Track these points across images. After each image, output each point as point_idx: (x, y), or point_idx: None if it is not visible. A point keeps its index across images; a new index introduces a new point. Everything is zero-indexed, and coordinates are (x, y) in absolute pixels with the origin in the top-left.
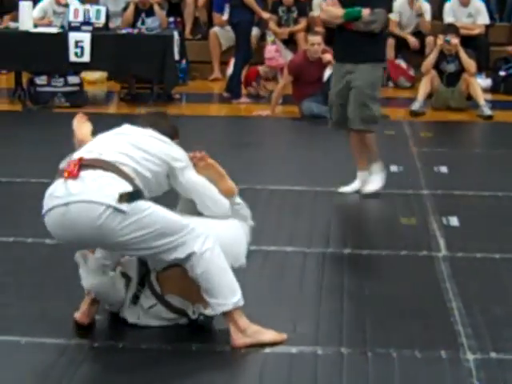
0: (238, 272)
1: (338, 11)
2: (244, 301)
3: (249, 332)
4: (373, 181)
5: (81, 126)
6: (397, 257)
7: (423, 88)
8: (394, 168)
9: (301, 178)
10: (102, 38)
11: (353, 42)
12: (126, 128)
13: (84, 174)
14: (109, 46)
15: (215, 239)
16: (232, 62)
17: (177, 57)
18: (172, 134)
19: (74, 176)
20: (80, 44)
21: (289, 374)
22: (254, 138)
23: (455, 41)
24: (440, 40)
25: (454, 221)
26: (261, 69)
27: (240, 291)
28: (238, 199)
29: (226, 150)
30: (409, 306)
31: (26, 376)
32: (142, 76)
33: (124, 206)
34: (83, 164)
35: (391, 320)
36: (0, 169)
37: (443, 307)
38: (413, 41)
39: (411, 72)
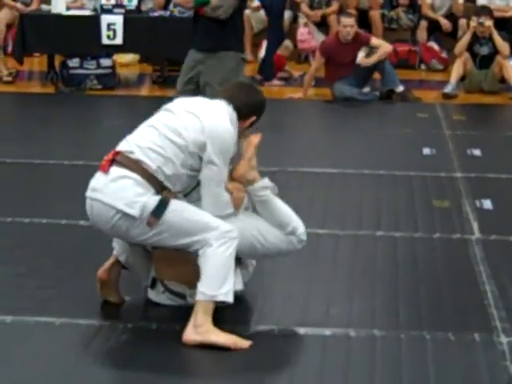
0: None
1: None
2: (232, 299)
3: (200, 329)
4: None
5: None
6: (430, 239)
7: (456, 71)
8: (426, 151)
9: (333, 161)
10: (135, 21)
11: (206, 29)
12: (178, 106)
13: (112, 170)
14: (141, 29)
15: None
16: (264, 44)
17: None
18: (244, 113)
19: (104, 171)
20: (112, 27)
21: (322, 355)
22: (286, 121)
23: (488, 23)
24: (473, 22)
25: (487, 204)
26: (281, 50)
27: (229, 291)
28: None
29: (258, 132)
30: (442, 289)
31: (60, 356)
32: (173, 58)
33: (134, 211)
34: (115, 159)
35: (424, 303)
36: (33, 151)
37: (476, 290)
38: (445, 23)
39: (444, 54)
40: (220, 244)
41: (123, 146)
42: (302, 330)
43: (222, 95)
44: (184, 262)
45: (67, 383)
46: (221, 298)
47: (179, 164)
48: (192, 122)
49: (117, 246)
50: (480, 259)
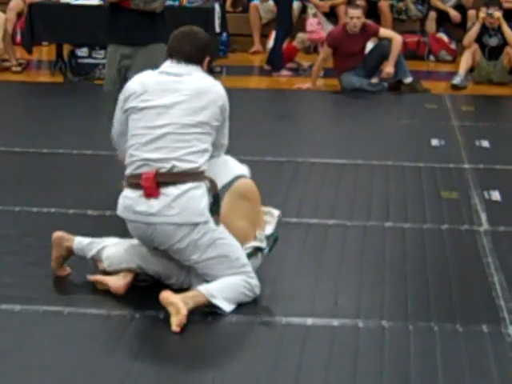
0: (279, 244)
1: None
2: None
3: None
4: None
5: None
6: (438, 231)
7: (465, 62)
8: (435, 142)
9: (341, 151)
10: None
11: (134, 22)
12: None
13: (164, 191)
14: None
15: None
16: (273, 34)
17: (217, 29)
18: (199, 57)
19: (154, 196)
20: None
21: (330, 346)
22: (295, 111)
23: (498, 14)
24: (482, 13)
25: (495, 195)
26: (296, 42)
27: (229, 306)
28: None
29: (266, 122)
30: (450, 280)
31: (68, 345)
32: None
33: (204, 217)
34: (160, 181)
35: (432, 294)
36: (42, 140)
37: (485, 281)
38: (454, 14)
39: (453, 45)
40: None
41: (159, 166)
42: (310, 321)
43: (174, 55)
44: None
45: (75, 372)
46: (218, 303)
47: (210, 145)
48: (192, 101)
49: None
50: (488, 250)
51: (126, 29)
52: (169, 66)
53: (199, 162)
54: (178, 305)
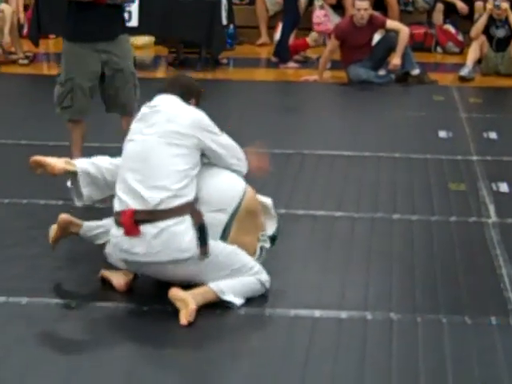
0: (287, 236)
1: None
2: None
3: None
4: None
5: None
6: (446, 222)
7: (472, 53)
8: (442, 134)
9: (349, 143)
10: (151, 3)
11: (105, 17)
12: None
13: (144, 230)
14: (157, 11)
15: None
16: (280, 26)
17: (224, 21)
18: (185, 94)
19: (135, 234)
20: (128, 9)
21: (338, 338)
22: (302, 103)
23: (505, 5)
24: (489, 5)
25: (503, 187)
26: (310, 39)
27: (239, 301)
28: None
29: (273, 114)
30: (458, 273)
31: (76, 338)
32: (189, 41)
33: (189, 253)
34: (138, 219)
35: (440, 286)
36: (48, 132)
37: (493, 274)
38: (462, 6)
39: (460, 37)
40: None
41: (136, 205)
42: (317, 313)
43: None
44: None
45: (82, 364)
46: (228, 299)
47: (191, 168)
48: (171, 127)
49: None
50: (496, 242)
51: (102, 24)
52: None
53: (179, 191)
54: (186, 300)
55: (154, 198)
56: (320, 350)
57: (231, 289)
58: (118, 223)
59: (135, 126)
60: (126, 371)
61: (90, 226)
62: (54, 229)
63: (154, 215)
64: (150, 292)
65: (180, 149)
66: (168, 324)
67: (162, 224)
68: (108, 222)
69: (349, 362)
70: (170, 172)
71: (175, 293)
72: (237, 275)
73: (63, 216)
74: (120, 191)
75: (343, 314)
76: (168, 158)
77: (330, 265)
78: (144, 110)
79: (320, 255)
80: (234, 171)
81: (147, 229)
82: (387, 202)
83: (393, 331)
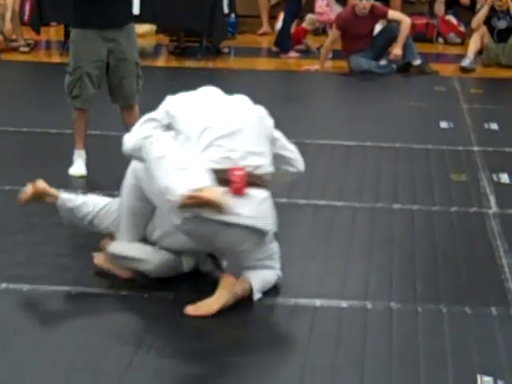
0: (288, 225)
1: None
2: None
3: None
4: None
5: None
6: (447, 213)
7: (473, 44)
8: (443, 124)
9: (350, 133)
10: None
11: (113, 5)
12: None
13: (250, 192)
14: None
15: None
16: (281, 16)
17: (226, 10)
18: None
19: (241, 194)
20: None
21: (338, 327)
22: (303, 93)
23: None
24: None
25: (504, 178)
26: (306, 23)
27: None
28: None
29: (274, 104)
30: (459, 263)
31: (76, 326)
32: (191, 29)
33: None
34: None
35: (441, 276)
36: (49, 120)
37: (493, 264)
38: None
39: (461, 28)
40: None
41: (245, 161)
42: (318, 302)
43: None
44: None
45: (83, 351)
46: (256, 298)
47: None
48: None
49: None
50: (497, 233)
51: (111, 12)
52: None
53: (271, 166)
54: (227, 298)
55: (263, 163)
56: (320, 339)
57: (261, 288)
58: (221, 181)
59: None
60: (129, 358)
61: (69, 199)
62: (27, 191)
63: (261, 180)
64: (151, 279)
65: None
66: (168, 312)
67: (266, 192)
68: (93, 200)
69: (349, 351)
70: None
71: (229, 281)
72: (266, 261)
73: (39, 184)
74: (222, 148)
75: (344, 304)
76: None
77: (330, 254)
78: None
79: (321, 245)
80: None
81: (255, 192)
82: (388, 191)
83: (393, 321)
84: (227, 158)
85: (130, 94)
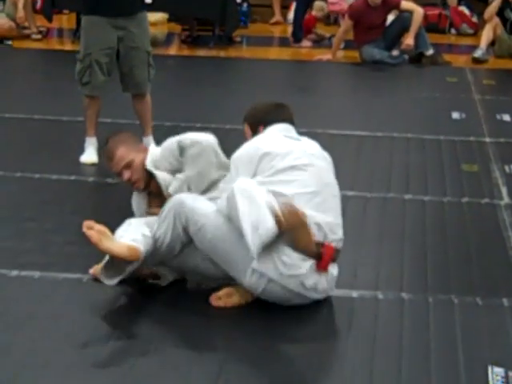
0: None
1: None
2: None
3: None
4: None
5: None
6: (458, 203)
7: (486, 35)
8: (456, 115)
9: (361, 124)
10: None
11: None
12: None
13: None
14: None
15: None
16: (293, 6)
17: None
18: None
19: (325, 271)
20: None
21: (349, 317)
22: (315, 83)
23: None
24: None
25: None
26: (315, 11)
27: None
28: None
29: (286, 93)
30: (470, 253)
31: (87, 313)
32: (203, 18)
33: None
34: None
35: (452, 266)
36: (61, 108)
37: (505, 255)
38: None
39: (474, 19)
40: None
41: (334, 235)
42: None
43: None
44: None
45: (94, 338)
46: None
47: None
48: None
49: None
50: (509, 224)
51: (120, 0)
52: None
53: None
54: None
55: (340, 236)
56: (331, 329)
57: None
58: (314, 255)
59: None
60: (141, 346)
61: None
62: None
63: (337, 255)
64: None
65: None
66: (182, 300)
67: (337, 267)
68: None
69: (360, 341)
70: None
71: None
72: None
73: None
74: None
75: (354, 294)
76: None
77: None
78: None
79: None
80: None
81: (331, 267)
82: (400, 182)
83: (404, 311)
84: (319, 228)
85: (140, 82)
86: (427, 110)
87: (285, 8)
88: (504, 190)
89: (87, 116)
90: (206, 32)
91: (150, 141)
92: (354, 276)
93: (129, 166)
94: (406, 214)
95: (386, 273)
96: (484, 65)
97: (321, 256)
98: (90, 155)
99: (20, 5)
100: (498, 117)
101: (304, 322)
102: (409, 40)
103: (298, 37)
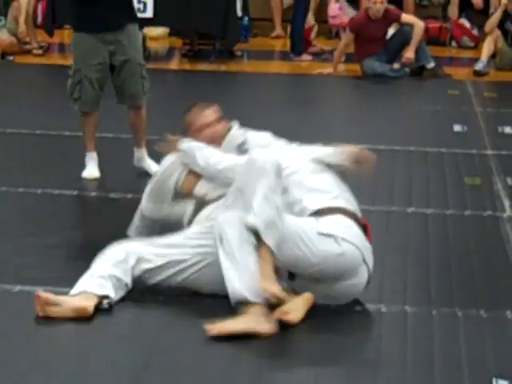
0: None
1: None
2: None
3: None
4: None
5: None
6: (461, 216)
7: (487, 48)
8: (457, 128)
9: (363, 137)
10: None
11: (112, 6)
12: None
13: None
14: (172, 2)
15: None
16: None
17: (239, 13)
18: None
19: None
20: (143, 0)
21: (352, 331)
22: (316, 96)
23: None
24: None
25: None
26: (308, 24)
27: None
28: None
29: (286, 107)
30: (473, 266)
31: (89, 328)
32: (204, 32)
33: None
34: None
35: (456, 279)
36: (63, 122)
37: (508, 268)
38: (477, 0)
39: (475, 31)
40: None
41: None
42: (333, 305)
43: None
44: None
45: (97, 353)
46: None
47: None
48: None
49: None
50: (511, 237)
51: (109, 14)
52: None
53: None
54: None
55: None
56: (334, 342)
57: None
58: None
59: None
60: (146, 354)
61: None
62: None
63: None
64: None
65: None
66: (179, 312)
67: None
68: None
69: (363, 354)
70: None
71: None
72: None
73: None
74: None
75: (358, 307)
76: None
77: None
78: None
79: None
80: None
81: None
82: (402, 195)
83: (407, 324)
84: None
85: (134, 94)
86: (429, 122)
87: (285, 21)
88: (506, 203)
89: (84, 132)
90: (207, 46)
91: (143, 154)
92: None
93: (220, 121)
94: (409, 227)
95: (389, 286)
96: (485, 77)
97: (366, 229)
98: (91, 170)
99: (21, 19)
100: (500, 129)
101: (307, 335)
102: (409, 53)
103: (297, 50)
